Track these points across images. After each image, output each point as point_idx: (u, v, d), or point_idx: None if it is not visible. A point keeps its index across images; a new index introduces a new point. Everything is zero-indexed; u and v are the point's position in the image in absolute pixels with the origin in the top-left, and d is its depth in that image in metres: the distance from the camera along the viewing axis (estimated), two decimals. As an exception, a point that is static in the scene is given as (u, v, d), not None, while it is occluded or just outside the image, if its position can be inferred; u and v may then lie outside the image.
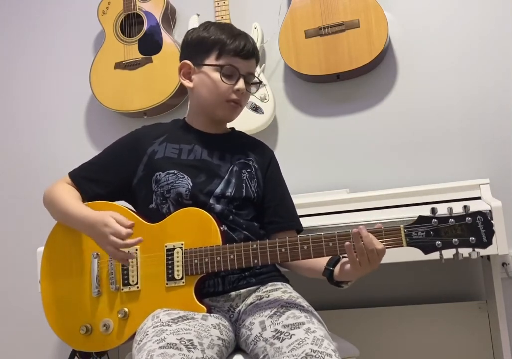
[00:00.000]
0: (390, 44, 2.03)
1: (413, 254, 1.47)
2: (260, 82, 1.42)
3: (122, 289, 1.25)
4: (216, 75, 1.30)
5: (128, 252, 1.19)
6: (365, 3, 1.95)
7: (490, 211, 1.46)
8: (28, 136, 2.41)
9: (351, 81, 2.05)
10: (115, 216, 1.20)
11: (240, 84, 1.30)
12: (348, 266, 1.13)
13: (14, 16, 2.49)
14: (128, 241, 1.16)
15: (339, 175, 2.03)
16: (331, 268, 1.18)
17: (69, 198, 1.30)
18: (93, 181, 1.34)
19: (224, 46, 1.29)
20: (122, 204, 1.36)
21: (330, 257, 1.19)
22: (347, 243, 1.10)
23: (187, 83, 1.35)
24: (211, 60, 1.31)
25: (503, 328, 1.59)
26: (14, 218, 2.38)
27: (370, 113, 2.04)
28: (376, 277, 1.92)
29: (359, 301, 1.94)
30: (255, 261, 1.16)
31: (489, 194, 1.61)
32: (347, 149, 2.05)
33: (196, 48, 1.34)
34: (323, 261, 1.20)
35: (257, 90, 1.44)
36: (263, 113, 2.02)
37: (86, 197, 1.34)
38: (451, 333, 1.82)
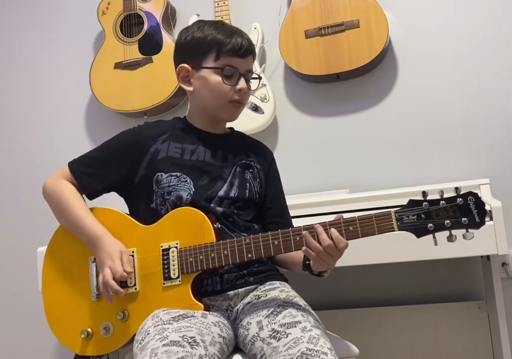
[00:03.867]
0: (390, 44, 2.03)
1: (413, 254, 1.48)
2: (260, 77, 1.41)
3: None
4: (216, 78, 1.28)
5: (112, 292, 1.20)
6: (365, 3, 1.95)
7: (490, 211, 1.45)
8: (28, 136, 2.42)
9: (351, 81, 2.05)
10: (124, 255, 1.22)
11: (242, 84, 1.30)
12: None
13: (13, 16, 2.50)
14: (112, 283, 1.18)
15: (339, 176, 2.03)
16: (307, 262, 1.19)
17: (79, 205, 1.29)
18: (93, 176, 1.33)
19: (222, 47, 1.27)
20: (121, 205, 1.36)
21: None
22: (304, 248, 1.11)
23: (186, 87, 1.34)
24: (209, 62, 1.29)
25: (503, 328, 1.59)
26: (14, 217, 2.38)
27: (370, 113, 2.05)
28: (376, 277, 1.93)
29: (359, 301, 1.94)
30: (249, 255, 1.16)
31: (489, 194, 1.61)
32: (347, 149, 2.05)
33: (192, 50, 1.32)
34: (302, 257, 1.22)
35: (258, 86, 1.44)
36: (263, 113, 2.02)
37: (85, 191, 1.34)
38: (451, 333, 1.83)
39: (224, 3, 2.10)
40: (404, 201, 1.66)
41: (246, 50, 1.30)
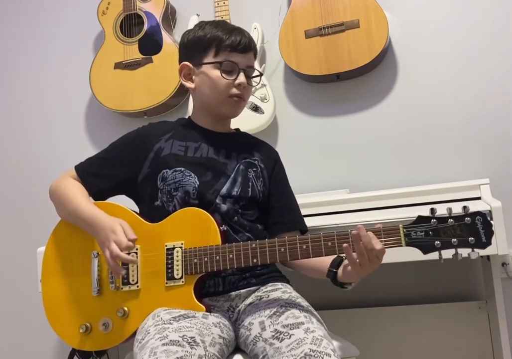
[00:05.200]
0: (390, 44, 2.03)
1: (413, 254, 1.47)
2: (261, 74, 1.42)
3: (122, 288, 1.25)
4: (216, 72, 1.30)
5: (121, 266, 1.19)
6: (365, 3, 1.95)
7: (490, 211, 1.45)
8: (28, 136, 2.41)
9: (351, 81, 2.05)
10: (124, 225, 1.21)
11: (241, 78, 1.31)
12: (349, 267, 1.13)
13: (14, 16, 2.49)
14: (122, 254, 1.16)
15: (339, 176, 2.03)
16: (334, 270, 1.18)
17: (79, 195, 1.30)
18: (97, 176, 1.34)
19: (221, 43, 1.30)
20: (123, 203, 1.36)
21: (333, 257, 1.19)
22: (345, 244, 1.10)
23: (188, 84, 1.36)
24: (209, 58, 1.31)
25: (503, 328, 1.59)
26: (14, 217, 2.38)
27: (370, 113, 2.04)
28: (376, 277, 1.91)
29: (359, 301, 1.94)
30: (254, 260, 1.16)
31: (489, 194, 1.61)
32: (347, 149, 2.05)
33: (193, 48, 1.34)
34: (326, 261, 1.20)
35: (259, 82, 1.44)
36: (263, 113, 2.02)
37: (91, 191, 1.34)
38: (451, 333, 1.82)
39: (224, 3, 2.10)
40: (404, 201, 1.67)
41: (245, 46, 1.31)
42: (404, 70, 2.03)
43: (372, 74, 2.04)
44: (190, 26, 2.11)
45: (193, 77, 1.35)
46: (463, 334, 1.81)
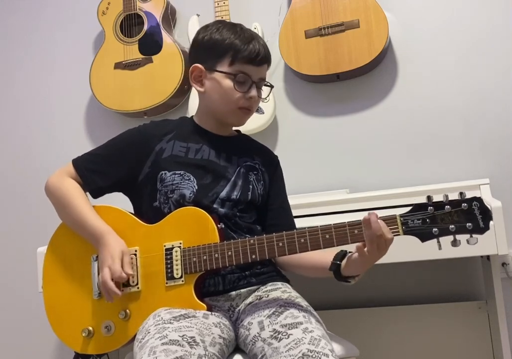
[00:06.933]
0: (390, 44, 2.03)
1: (413, 254, 1.48)
2: (272, 86, 1.39)
3: (122, 290, 1.25)
4: (229, 83, 1.28)
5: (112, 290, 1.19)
6: (365, 3, 1.95)
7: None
8: (28, 136, 2.42)
9: (351, 81, 2.05)
10: (125, 256, 1.22)
11: (253, 92, 1.29)
12: (355, 256, 1.12)
13: (14, 16, 2.50)
14: (110, 284, 1.17)
15: (339, 175, 2.03)
16: (338, 262, 1.16)
17: (83, 203, 1.29)
18: (97, 173, 1.33)
19: (238, 53, 1.26)
20: (125, 204, 1.36)
21: (335, 253, 1.18)
22: (356, 231, 1.09)
23: (198, 87, 1.33)
24: (223, 66, 1.28)
25: (503, 328, 1.59)
26: (14, 217, 2.38)
27: (370, 113, 2.05)
28: (376, 277, 1.93)
29: (359, 301, 1.94)
30: (253, 256, 1.16)
31: (489, 194, 1.61)
32: (347, 149, 2.05)
33: (208, 51, 1.31)
34: (325, 259, 1.19)
35: (269, 94, 1.42)
36: (263, 113, 2.02)
37: (89, 188, 1.33)
38: (451, 333, 1.83)
39: (224, 3, 2.09)
40: (404, 201, 1.67)
41: (262, 58, 1.29)
42: (404, 70, 2.03)
43: (372, 74, 2.04)
44: (190, 26, 2.12)
45: (204, 80, 1.32)
46: (463, 334, 1.81)
